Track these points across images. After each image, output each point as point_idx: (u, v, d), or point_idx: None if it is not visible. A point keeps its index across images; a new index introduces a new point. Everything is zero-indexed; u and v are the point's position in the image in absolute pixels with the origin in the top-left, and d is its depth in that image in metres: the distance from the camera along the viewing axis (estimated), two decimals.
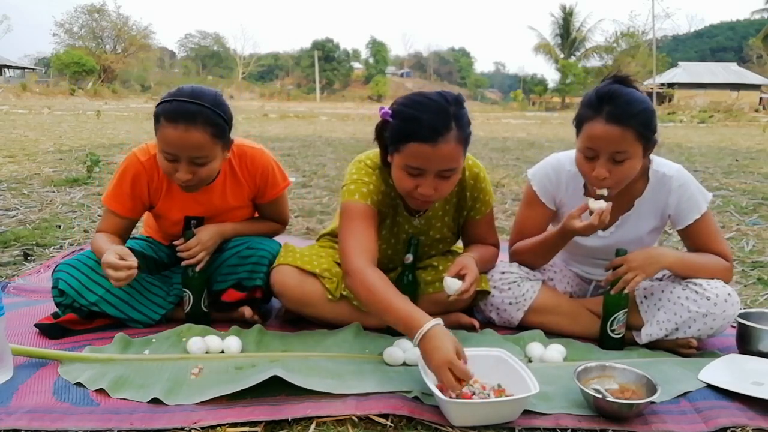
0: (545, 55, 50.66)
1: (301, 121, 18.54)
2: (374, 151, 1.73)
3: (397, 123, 1.54)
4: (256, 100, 44.48)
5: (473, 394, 1.36)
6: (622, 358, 1.62)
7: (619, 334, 1.70)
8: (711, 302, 1.63)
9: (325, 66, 63.10)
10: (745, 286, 2.44)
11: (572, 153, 1.75)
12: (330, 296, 1.76)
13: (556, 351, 1.64)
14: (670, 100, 36.80)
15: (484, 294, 1.84)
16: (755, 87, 40.70)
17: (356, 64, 72.11)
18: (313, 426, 1.27)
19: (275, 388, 1.39)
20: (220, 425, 1.26)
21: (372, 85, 58.93)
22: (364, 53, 71.45)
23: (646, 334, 1.72)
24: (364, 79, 66.86)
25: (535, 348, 1.66)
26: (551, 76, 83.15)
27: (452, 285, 1.62)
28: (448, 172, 1.55)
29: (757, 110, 32.86)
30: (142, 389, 1.39)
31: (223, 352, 1.61)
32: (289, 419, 1.28)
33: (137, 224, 1.93)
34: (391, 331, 1.76)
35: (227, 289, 1.85)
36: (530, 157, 7.78)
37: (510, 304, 1.82)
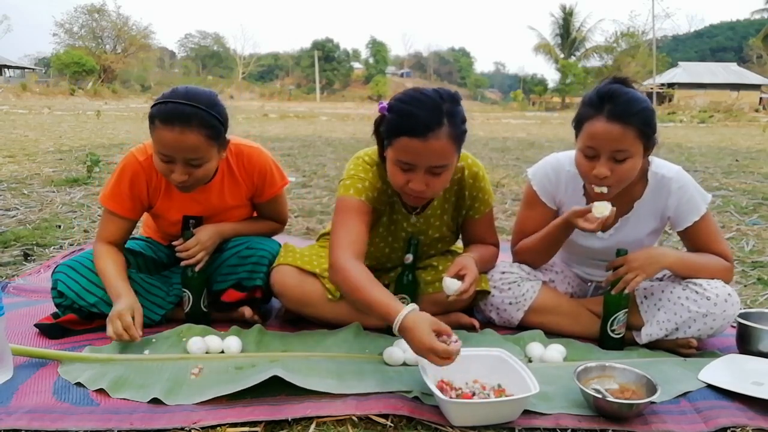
0: (545, 55, 50.66)
1: (301, 121, 18.55)
2: (373, 148, 1.74)
3: (391, 117, 1.55)
4: (256, 100, 44.48)
5: (473, 394, 1.36)
6: (622, 358, 1.62)
7: (619, 334, 1.70)
8: (711, 302, 1.63)
9: (325, 66, 63.10)
10: (745, 286, 2.44)
11: (572, 153, 1.75)
12: (330, 296, 1.76)
13: (556, 351, 1.64)
14: (670, 100, 36.81)
15: (484, 294, 1.84)
16: (755, 87, 40.69)
17: (356, 64, 72.12)
18: (313, 426, 1.27)
19: (275, 388, 1.39)
20: (220, 425, 1.26)
21: (372, 85, 58.90)
22: (364, 53, 71.57)
23: (646, 334, 1.72)
24: (364, 79, 66.86)
25: (535, 348, 1.66)
26: (551, 76, 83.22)
27: (451, 285, 1.62)
28: (439, 169, 1.55)
29: (757, 110, 32.85)
30: (142, 389, 1.39)
31: (223, 352, 1.61)
32: (289, 419, 1.28)
33: (136, 224, 1.93)
34: (391, 331, 1.76)
35: (227, 289, 1.85)
36: (530, 157, 7.78)
37: (510, 304, 1.82)
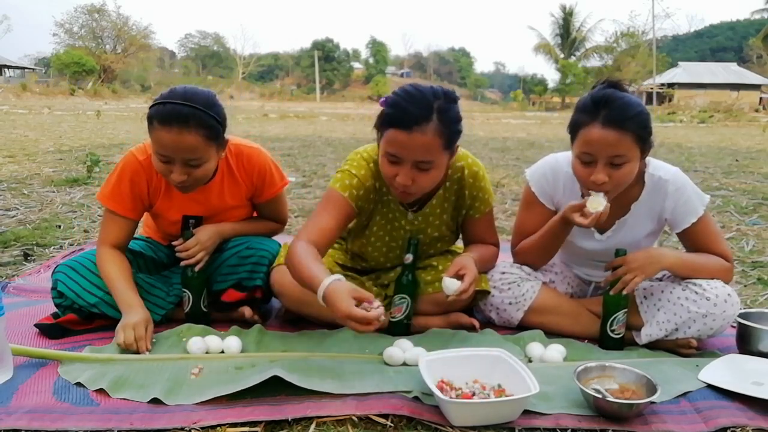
0: (545, 55, 50.68)
1: (301, 121, 18.55)
2: (374, 145, 1.74)
3: (384, 109, 1.57)
4: (256, 100, 44.48)
5: (473, 394, 1.36)
6: (622, 358, 1.62)
7: (619, 334, 1.70)
8: (711, 302, 1.63)
9: (325, 66, 63.09)
10: (745, 286, 2.44)
11: (570, 154, 1.74)
12: None
13: (556, 351, 1.64)
14: (670, 100, 36.80)
15: (484, 294, 1.84)
16: (755, 87, 40.69)
17: (356, 64, 72.10)
18: (313, 426, 1.27)
19: (275, 388, 1.39)
20: (220, 425, 1.26)
21: (372, 85, 58.86)
22: (364, 53, 71.55)
23: (646, 334, 1.72)
24: (364, 79, 66.84)
25: (535, 348, 1.66)
26: (551, 76, 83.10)
27: (451, 285, 1.62)
28: (425, 164, 1.56)
29: (757, 110, 32.85)
30: (142, 389, 1.39)
31: (223, 352, 1.61)
32: (289, 419, 1.28)
33: (138, 225, 1.93)
34: (391, 331, 1.76)
35: (227, 289, 1.85)
36: (530, 157, 7.78)
37: (510, 304, 1.82)
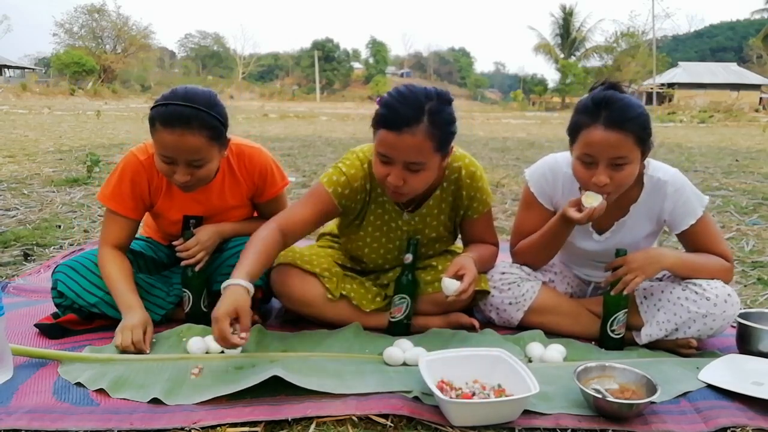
0: (545, 55, 50.68)
1: (301, 121, 18.55)
2: (371, 144, 1.74)
3: (378, 109, 1.57)
4: (256, 100, 44.48)
5: (473, 394, 1.36)
6: (622, 358, 1.62)
7: (619, 334, 1.70)
8: (711, 303, 1.63)
9: (325, 66, 63.09)
10: (745, 286, 2.44)
11: (569, 154, 1.74)
12: (330, 296, 1.76)
13: (556, 351, 1.64)
14: (670, 100, 36.80)
15: (483, 294, 1.84)
16: (755, 87, 40.69)
17: (356, 64, 72.10)
18: (313, 426, 1.27)
19: (275, 388, 1.39)
20: (220, 425, 1.26)
21: (372, 85, 58.86)
22: (364, 53, 71.57)
23: (646, 334, 1.72)
24: (364, 79, 66.86)
25: (535, 348, 1.66)
26: (551, 76, 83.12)
27: (450, 285, 1.62)
28: (415, 166, 1.56)
29: (757, 110, 32.85)
30: (142, 389, 1.39)
31: (223, 352, 1.61)
32: (289, 419, 1.28)
33: (139, 225, 1.93)
34: (391, 331, 1.76)
35: None
36: (530, 157, 7.78)
37: (510, 304, 1.82)
